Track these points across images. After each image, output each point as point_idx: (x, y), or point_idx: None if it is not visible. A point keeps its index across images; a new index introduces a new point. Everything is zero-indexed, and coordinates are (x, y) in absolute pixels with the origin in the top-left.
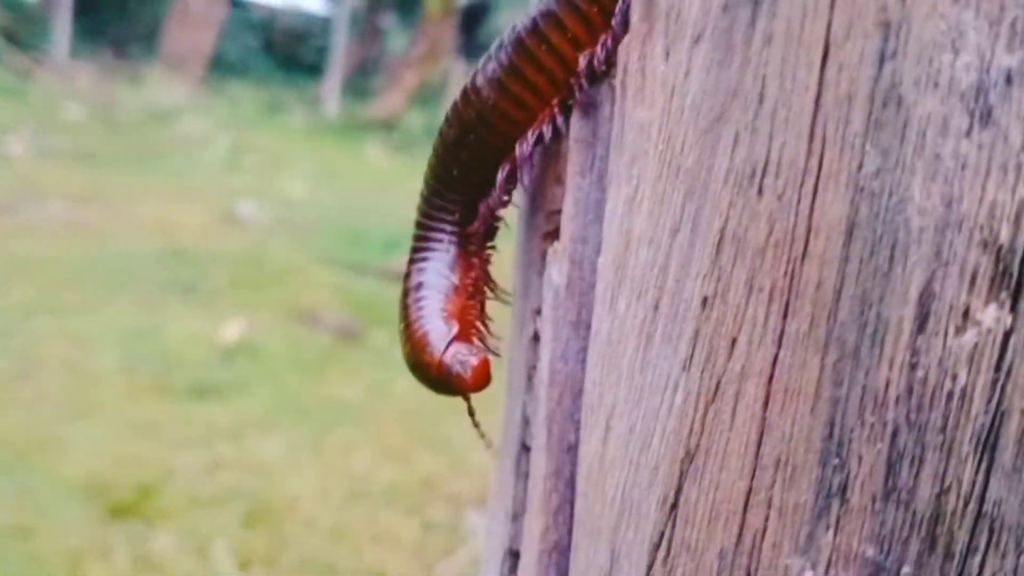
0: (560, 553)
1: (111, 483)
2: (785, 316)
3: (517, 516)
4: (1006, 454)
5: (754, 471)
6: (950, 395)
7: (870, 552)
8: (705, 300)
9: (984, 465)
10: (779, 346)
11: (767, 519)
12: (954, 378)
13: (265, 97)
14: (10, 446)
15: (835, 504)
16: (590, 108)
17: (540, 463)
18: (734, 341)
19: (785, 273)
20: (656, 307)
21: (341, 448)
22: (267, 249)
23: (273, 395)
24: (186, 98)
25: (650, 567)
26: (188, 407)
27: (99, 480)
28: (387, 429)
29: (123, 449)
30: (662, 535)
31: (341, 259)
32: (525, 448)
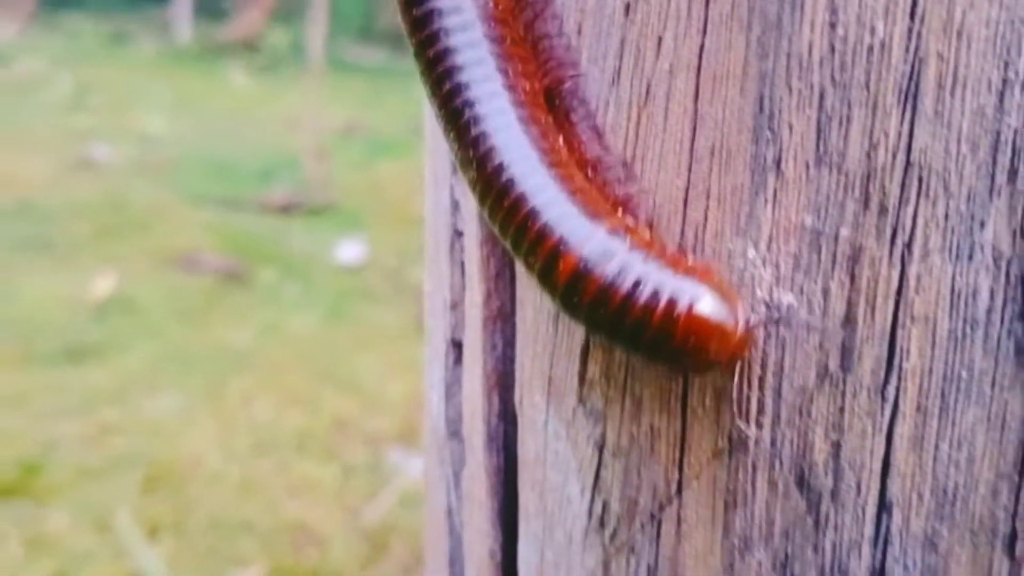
0: (504, 319)
1: None
2: (707, 2)
3: (456, 304)
4: (927, 100)
5: (690, 165)
6: (870, 49)
7: (808, 221)
8: (628, 6)
9: (908, 115)
10: (704, 34)
11: (707, 209)
12: (872, 31)
13: (107, 28)
14: None
15: (771, 178)
16: None
17: (473, 232)
18: (660, 40)
19: None
20: (579, 31)
21: (239, 398)
22: (128, 193)
23: (156, 349)
24: (17, 36)
25: None
26: (61, 373)
27: None
28: (287, 373)
29: None
30: None
31: (212, 196)
32: (458, 234)
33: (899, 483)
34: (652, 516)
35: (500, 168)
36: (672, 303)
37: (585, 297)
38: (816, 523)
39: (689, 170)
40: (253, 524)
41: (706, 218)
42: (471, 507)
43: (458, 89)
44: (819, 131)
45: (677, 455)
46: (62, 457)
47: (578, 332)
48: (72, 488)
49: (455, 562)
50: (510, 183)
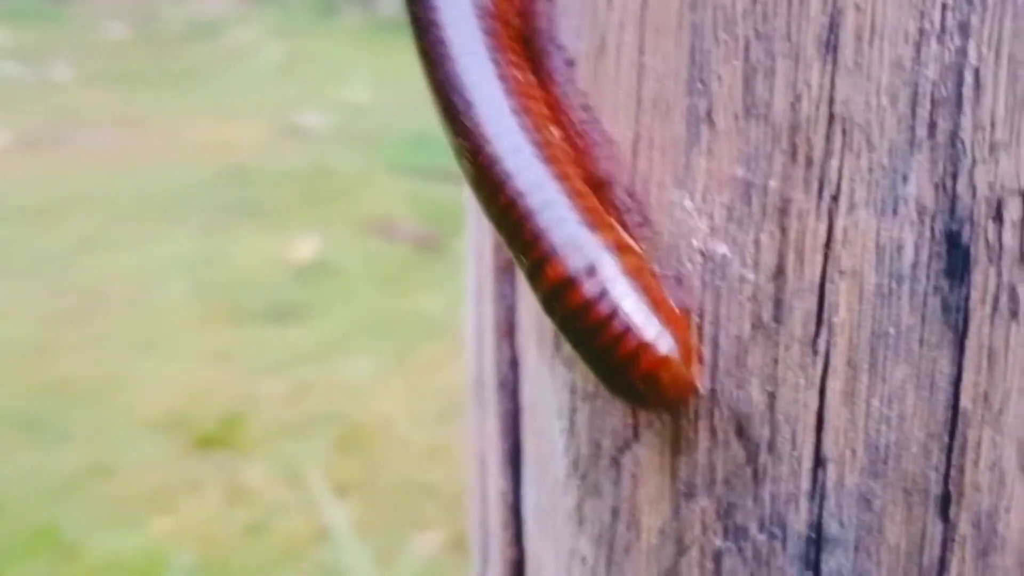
0: (511, 270)
1: (192, 416)
2: None
3: (481, 255)
4: (847, 52)
5: (637, 116)
6: (790, 0)
7: (740, 172)
8: None
9: (829, 67)
10: None
11: (651, 160)
12: None
13: (316, 0)
14: (83, 385)
15: (704, 130)
16: None
17: None
18: None
19: None
20: None
21: (429, 364)
22: (333, 160)
23: (353, 313)
24: (232, 8)
25: None
26: (265, 332)
27: (179, 414)
28: None
29: (201, 380)
30: None
31: (412, 165)
32: None
33: (832, 438)
34: (614, 460)
35: (493, 159)
36: (639, 345)
37: (562, 309)
38: (755, 474)
39: (636, 121)
40: (436, 489)
41: (651, 169)
42: (489, 451)
43: (450, 76)
44: (746, 83)
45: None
46: (262, 412)
47: None
48: (269, 443)
49: (484, 503)
50: (505, 177)
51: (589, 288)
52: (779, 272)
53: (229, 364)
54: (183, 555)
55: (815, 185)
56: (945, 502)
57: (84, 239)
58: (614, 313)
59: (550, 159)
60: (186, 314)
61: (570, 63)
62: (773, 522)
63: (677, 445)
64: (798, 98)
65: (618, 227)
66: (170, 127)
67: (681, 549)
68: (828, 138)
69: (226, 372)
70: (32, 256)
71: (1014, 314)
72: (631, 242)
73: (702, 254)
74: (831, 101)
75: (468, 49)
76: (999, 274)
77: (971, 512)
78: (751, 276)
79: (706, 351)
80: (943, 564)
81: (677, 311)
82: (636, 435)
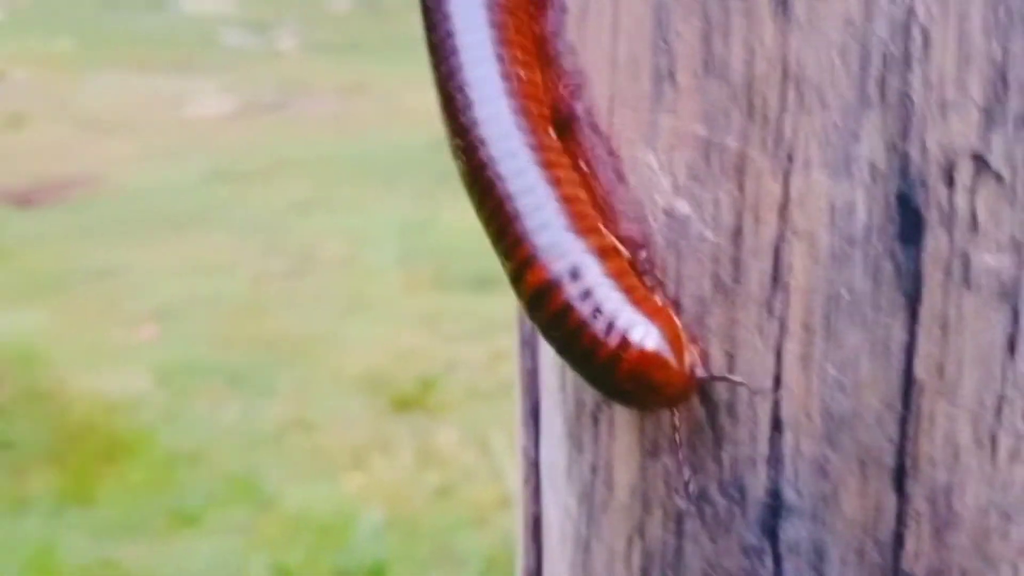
0: None
1: (391, 377)
2: None
3: None
4: (799, 8)
5: (613, 75)
6: None
7: (700, 130)
8: None
9: (781, 23)
10: None
11: (624, 118)
12: None
13: None
14: (291, 342)
15: (668, 87)
16: None
17: None
18: None
19: None
20: None
21: None
22: None
23: None
24: None
25: None
26: (467, 299)
27: (379, 374)
28: None
29: (403, 343)
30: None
31: None
32: None
33: (789, 403)
34: (593, 416)
35: (487, 161)
36: (621, 341)
37: (546, 314)
38: (715, 436)
39: (612, 80)
40: None
41: (623, 127)
42: (518, 408)
43: (453, 72)
44: (705, 40)
45: None
46: (458, 377)
47: None
48: (462, 407)
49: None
50: (496, 180)
51: (571, 291)
52: (737, 232)
53: (430, 329)
54: (373, 512)
55: (771, 144)
56: (900, 475)
57: (300, 202)
58: (595, 315)
59: (544, 164)
60: (392, 278)
61: (562, 17)
62: (733, 486)
63: None
64: (752, 55)
65: (605, 231)
66: (388, 95)
67: (647, 507)
68: (782, 96)
69: (426, 336)
70: (251, 216)
71: (967, 282)
72: (617, 244)
73: (665, 212)
74: (784, 59)
75: (473, 43)
76: (951, 239)
77: (926, 487)
78: (711, 235)
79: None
80: (899, 540)
81: (664, 309)
82: None
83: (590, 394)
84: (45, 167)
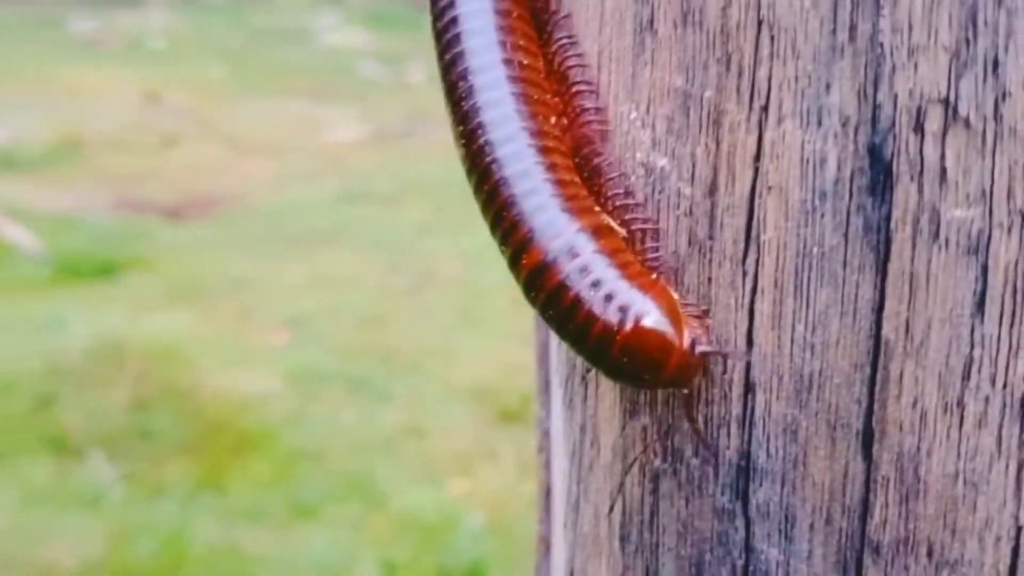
0: None
1: (498, 390)
2: None
3: None
4: None
5: (600, 29)
6: None
7: (679, 82)
8: None
9: None
10: None
11: (610, 72)
12: None
13: None
14: (407, 353)
15: (648, 39)
16: None
17: None
18: None
19: None
20: None
21: None
22: None
23: None
24: None
25: None
26: None
27: (487, 387)
28: None
29: (509, 358)
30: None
31: None
32: None
33: (761, 363)
34: (583, 378)
35: (486, 147)
36: (618, 317)
37: (542, 292)
38: (690, 396)
39: (600, 34)
40: None
41: (609, 82)
42: (533, 380)
43: (456, 59)
44: None
45: None
46: None
47: None
48: None
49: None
50: (494, 165)
51: (568, 268)
52: (713, 187)
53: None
54: (475, 515)
55: (746, 95)
56: (868, 439)
57: (422, 223)
58: (591, 291)
59: (543, 150)
60: (502, 296)
61: None
62: (706, 447)
63: None
64: (728, 2)
65: (599, 212)
66: None
67: (626, 466)
68: (757, 44)
69: (530, 353)
70: (378, 235)
71: (935, 236)
72: (612, 224)
73: (644, 167)
74: (758, 5)
75: (476, 30)
76: (920, 192)
77: (892, 452)
78: (688, 190)
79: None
80: (866, 507)
81: (661, 285)
82: None
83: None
84: (194, 184)
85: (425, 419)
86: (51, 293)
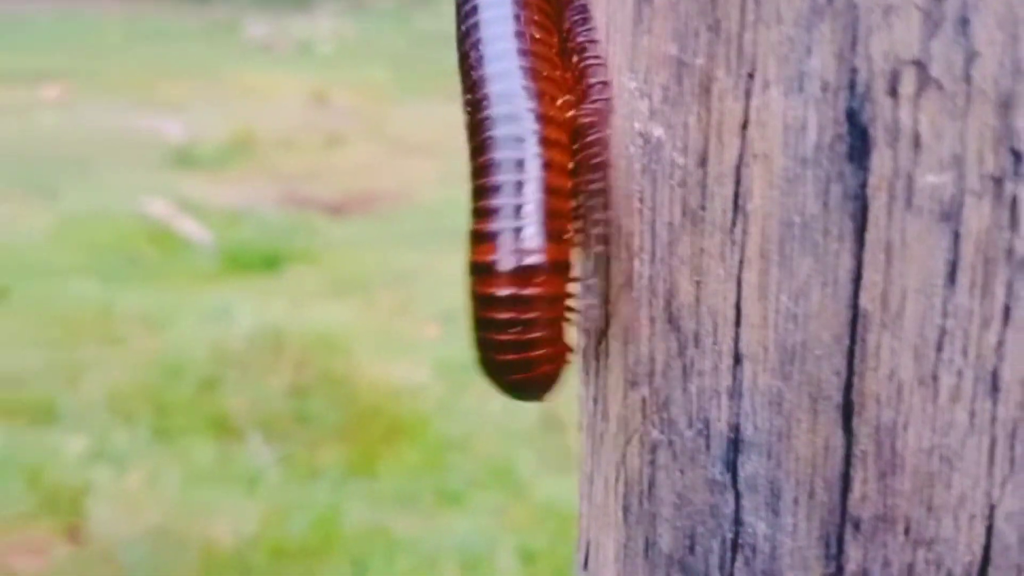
0: None
1: None
2: None
3: None
4: None
5: (608, 3)
6: None
7: (673, 50)
8: None
9: None
10: None
11: (614, 44)
12: None
13: None
14: None
15: (646, 8)
16: None
17: None
18: None
19: None
20: None
21: None
22: None
23: None
24: None
25: None
26: None
27: None
28: None
29: None
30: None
31: None
32: None
33: (749, 334)
34: (595, 350)
35: (488, 122)
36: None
37: (476, 283)
38: (684, 367)
39: (608, 5)
40: None
41: (614, 53)
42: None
43: (470, 30)
44: None
45: (606, 290)
46: None
47: None
48: None
49: None
50: (491, 146)
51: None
52: (704, 156)
53: None
54: None
55: (734, 62)
56: (847, 412)
57: None
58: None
59: (543, 141)
60: None
61: None
62: (699, 418)
63: (627, 334)
64: None
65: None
66: None
67: (627, 437)
68: (743, 9)
69: None
70: None
71: (909, 203)
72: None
73: (642, 136)
74: None
75: (491, 2)
76: (895, 158)
77: (871, 426)
78: (681, 160)
79: (646, 237)
80: (847, 481)
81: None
82: (608, 325)
83: (594, 327)
84: (357, 182)
85: (564, 411)
86: (219, 284)
